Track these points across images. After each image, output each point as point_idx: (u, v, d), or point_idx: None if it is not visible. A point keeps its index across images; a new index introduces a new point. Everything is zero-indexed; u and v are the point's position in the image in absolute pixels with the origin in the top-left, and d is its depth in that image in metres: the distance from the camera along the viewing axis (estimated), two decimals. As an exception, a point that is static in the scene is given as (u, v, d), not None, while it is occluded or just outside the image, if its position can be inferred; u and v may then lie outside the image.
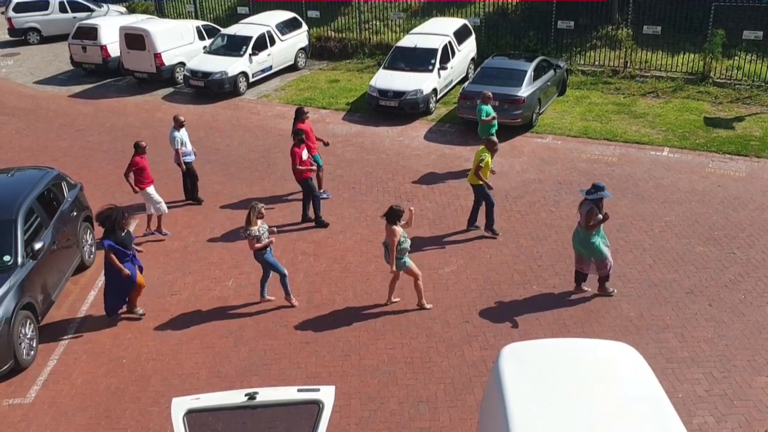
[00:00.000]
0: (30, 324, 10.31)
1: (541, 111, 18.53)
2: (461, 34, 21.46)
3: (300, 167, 13.48)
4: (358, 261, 12.68)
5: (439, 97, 20.06)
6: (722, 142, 16.92)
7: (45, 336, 10.87)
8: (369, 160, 16.92)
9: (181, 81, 22.40)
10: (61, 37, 27.15)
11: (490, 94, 15.56)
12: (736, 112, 18.75)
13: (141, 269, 11.24)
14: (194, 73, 21.41)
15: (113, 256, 10.65)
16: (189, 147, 14.57)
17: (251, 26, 22.81)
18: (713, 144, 16.84)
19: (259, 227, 10.84)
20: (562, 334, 10.47)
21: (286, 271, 11.28)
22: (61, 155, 17.59)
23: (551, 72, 19.07)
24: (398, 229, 10.56)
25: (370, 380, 9.79)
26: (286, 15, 24.18)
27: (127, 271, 10.74)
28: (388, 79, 19.47)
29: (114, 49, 23.10)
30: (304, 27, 24.46)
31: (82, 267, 12.54)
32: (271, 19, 23.53)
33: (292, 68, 23.80)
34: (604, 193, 10.78)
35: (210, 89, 21.31)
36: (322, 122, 19.35)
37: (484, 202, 13.20)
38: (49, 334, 10.93)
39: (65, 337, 10.92)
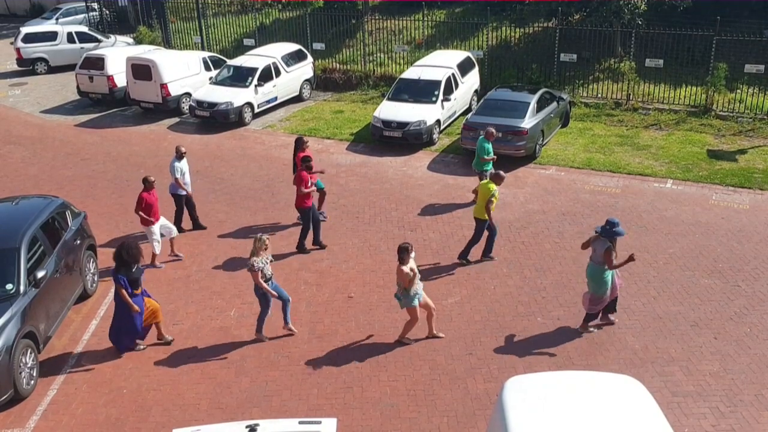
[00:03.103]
0: (31, 353, 10.25)
1: (544, 142, 18.60)
2: (464, 67, 21.64)
3: (305, 190, 13.56)
4: (361, 291, 12.63)
5: (442, 128, 20.17)
6: (725, 174, 16.94)
7: (45, 365, 10.80)
8: (373, 189, 16.95)
9: (187, 111, 22.57)
10: (68, 67, 27.42)
11: (493, 131, 15.60)
12: (739, 144, 18.79)
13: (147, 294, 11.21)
14: (200, 104, 21.58)
15: (124, 291, 10.59)
16: (188, 178, 14.65)
17: (257, 58, 23.04)
18: (716, 176, 16.86)
19: (262, 259, 10.78)
20: (566, 367, 10.37)
21: (289, 297, 11.24)
22: (66, 184, 17.67)
23: (554, 104, 19.18)
24: (407, 267, 10.43)
25: (372, 413, 9.69)
26: (292, 47, 24.43)
27: (137, 308, 10.70)
28: (392, 110, 19.60)
29: (121, 79, 23.30)
30: (310, 59, 24.70)
31: (84, 296, 12.51)
32: (277, 50, 23.77)
33: (298, 99, 23.98)
34: (618, 230, 10.70)
35: (215, 119, 21.46)
36: (326, 152, 19.44)
37: (488, 233, 13.22)
38: (49, 364, 10.87)
39: (66, 366, 10.85)
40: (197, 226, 15.10)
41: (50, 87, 26.98)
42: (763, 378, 10.10)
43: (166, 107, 22.58)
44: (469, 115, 18.98)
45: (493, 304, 12.12)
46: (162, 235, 13.68)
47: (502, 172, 13.24)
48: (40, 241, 11.34)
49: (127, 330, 10.90)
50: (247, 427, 6.61)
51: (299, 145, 14.84)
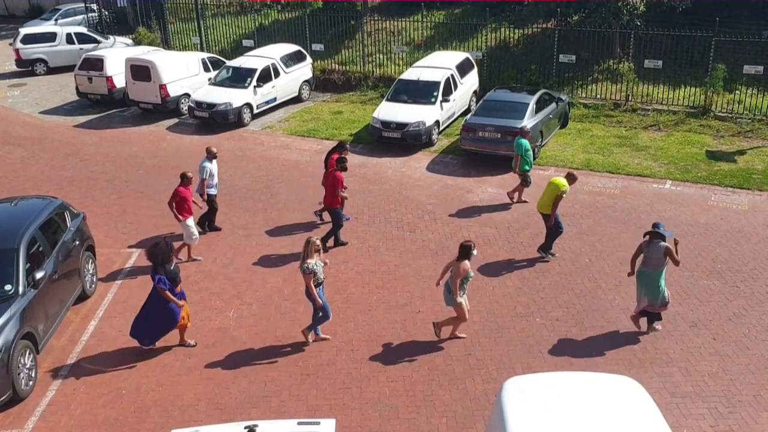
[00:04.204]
0: (29, 354, 10.24)
1: (543, 143, 18.61)
2: (464, 68, 21.65)
3: (342, 193, 13.76)
4: (360, 292, 12.63)
5: (441, 129, 20.17)
6: (724, 175, 16.95)
7: (44, 366, 10.80)
8: (372, 190, 16.95)
9: (186, 112, 22.57)
10: (67, 68, 27.41)
11: (528, 128, 15.63)
12: (738, 145, 18.81)
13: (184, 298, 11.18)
14: (199, 104, 21.58)
15: (167, 292, 10.54)
16: (216, 180, 14.60)
17: (256, 59, 23.05)
18: (715, 177, 16.87)
19: (316, 262, 10.63)
20: (565, 368, 10.37)
21: (330, 317, 11.11)
22: (65, 184, 17.67)
23: (553, 105, 19.19)
24: (467, 264, 10.55)
25: (371, 413, 9.69)
26: (291, 48, 24.44)
27: (181, 303, 10.73)
28: (391, 111, 19.60)
29: (120, 80, 23.30)
30: (309, 60, 24.71)
31: (83, 296, 12.50)
32: (276, 51, 23.78)
33: (297, 100, 23.99)
34: (664, 231, 10.86)
35: (214, 120, 21.46)
36: (325, 153, 19.39)
37: (548, 228, 13.38)
38: (48, 365, 10.86)
39: (64, 367, 10.84)
40: (212, 228, 15.04)
41: (49, 88, 26.98)
42: (761, 378, 10.10)
43: (165, 108, 22.57)
44: (469, 116, 18.98)
45: (492, 305, 12.12)
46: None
47: (575, 173, 13.39)
48: (39, 242, 11.33)
49: (162, 326, 10.85)
50: (246, 428, 6.61)
51: (340, 148, 14.92)
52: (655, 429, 6.55)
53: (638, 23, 22.35)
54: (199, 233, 14.09)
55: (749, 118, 20.24)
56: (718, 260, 13.21)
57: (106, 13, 34.41)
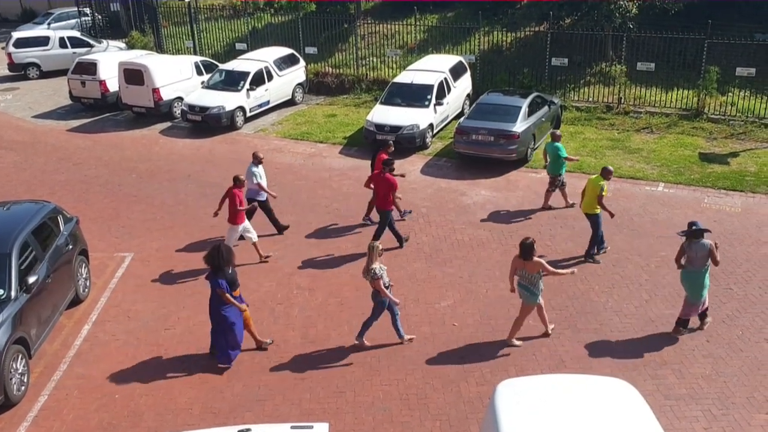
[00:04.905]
0: (21, 359, 10.19)
1: (535, 146, 18.65)
2: (457, 71, 21.68)
3: (399, 196, 13.91)
4: (354, 296, 12.61)
5: (435, 132, 20.20)
6: (717, 177, 17.01)
7: (36, 371, 10.75)
8: (366, 193, 16.85)
9: (179, 115, 22.53)
10: (60, 72, 27.33)
11: (558, 132, 15.69)
12: (731, 147, 18.88)
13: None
14: (192, 108, 21.55)
15: (227, 294, 10.44)
16: (264, 184, 14.49)
17: (249, 62, 23.04)
18: (708, 179, 16.92)
19: (380, 266, 10.61)
20: (558, 370, 10.38)
21: (398, 312, 11.14)
22: (58, 189, 17.60)
23: (545, 108, 19.24)
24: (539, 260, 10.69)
25: (365, 417, 9.68)
26: (284, 51, 24.44)
27: (244, 306, 10.63)
28: (385, 114, 19.62)
29: (113, 84, 23.26)
30: (302, 63, 24.71)
31: (76, 301, 12.45)
32: (269, 55, 23.78)
33: (290, 103, 23.98)
34: (701, 227, 10.93)
35: (207, 123, 21.43)
36: (319, 156, 19.43)
37: (592, 230, 13.40)
38: (41, 369, 10.81)
39: (57, 372, 10.79)
40: (280, 229, 14.92)
41: (42, 92, 26.90)
42: (754, 380, 10.13)
43: (158, 112, 22.54)
44: (462, 119, 19.02)
45: (485, 308, 12.12)
46: (241, 238, 13.58)
47: (610, 167, 13.41)
48: (32, 246, 11.28)
49: (227, 339, 10.69)
50: (239, 431, 6.59)
51: (384, 146, 14.97)
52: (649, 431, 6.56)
53: (630, 26, 22.43)
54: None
55: (742, 121, 20.32)
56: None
57: (99, 17, 34.34)
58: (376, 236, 13.75)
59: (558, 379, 7.86)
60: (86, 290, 12.83)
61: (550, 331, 11.25)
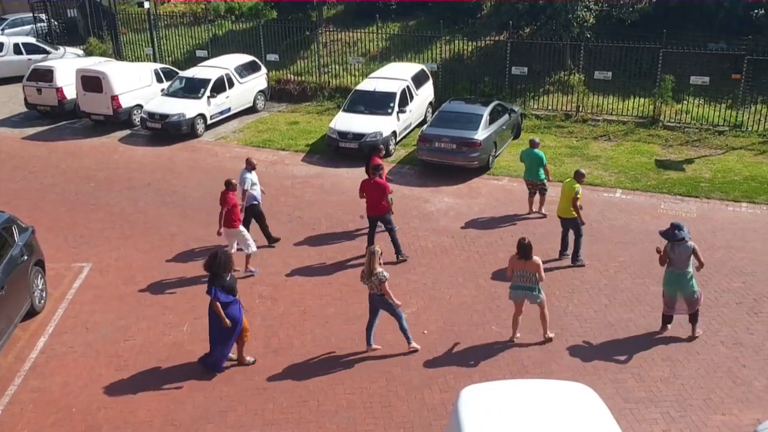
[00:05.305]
0: (-26, 373, 9.91)
1: (497, 154, 18.84)
2: (419, 79, 21.81)
3: (391, 196, 13.85)
4: (317, 304, 12.56)
5: (398, 139, 20.26)
6: (673, 183, 17.38)
7: (-10, 385, 10.47)
8: (329, 201, 16.91)
9: (138, 123, 22.23)
10: (15, 79, 26.73)
11: (537, 139, 15.82)
12: (686, 154, 19.32)
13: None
14: (152, 115, 21.28)
15: (218, 305, 10.26)
16: (258, 190, 14.32)
17: (210, 69, 22.86)
18: (664, 185, 17.28)
19: (384, 270, 10.64)
20: (521, 375, 10.47)
21: (403, 314, 11.13)
22: (13, 198, 17.17)
23: (506, 116, 19.46)
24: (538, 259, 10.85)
25: (328, 426, 9.62)
26: (245, 58, 24.31)
27: (228, 323, 10.37)
28: (347, 122, 19.63)
29: (70, 92, 22.84)
30: (264, 70, 24.60)
31: (32, 312, 12.15)
32: (230, 62, 23.62)
33: (252, 110, 23.83)
34: (684, 233, 11.11)
35: (167, 131, 21.18)
36: (282, 164, 19.34)
37: (574, 233, 13.54)
38: (-6, 384, 10.53)
39: (11, 385, 10.51)
40: (271, 239, 14.68)
41: (-4, 99, 26.29)
42: (711, 382, 10.35)
43: (117, 119, 22.21)
44: (425, 126, 19.12)
45: (449, 314, 12.18)
46: (239, 249, 13.31)
47: (582, 170, 13.65)
48: (-15, 257, 10.99)
49: (222, 344, 10.58)
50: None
51: (375, 151, 14.97)
52: (609, 434, 6.65)
53: (588, 36, 22.86)
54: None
55: (697, 128, 20.81)
56: (668, 267, 13.49)
57: (56, 23, 33.70)
58: (394, 243, 13.80)
59: (520, 385, 7.93)
60: (42, 301, 12.53)
61: (552, 335, 11.36)
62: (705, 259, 13.76)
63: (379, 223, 13.99)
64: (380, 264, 10.64)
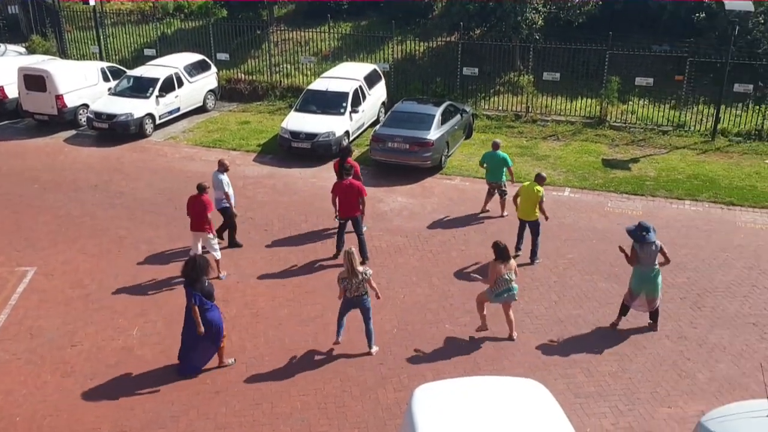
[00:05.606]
0: None
1: (449, 153, 18.98)
2: (371, 79, 21.83)
3: (365, 197, 13.80)
4: (270, 306, 12.46)
5: (351, 139, 20.24)
6: (619, 182, 17.78)
7: (-71, 395, 10.10)
8: (282, 201, 16.80)
9: (85, 123, 21.71)
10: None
11: (499, 141, 15.94)
12: (632, 153, 19.79)
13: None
14: (98, 115, 20.82)
15: (196, 309, 10.08)
16: (231, 191, 14.09)
17: (158, 68, 22.48)
18: (611, 184, 17.67)
19: (366, 268, 10.73)
20: (473, 373, 10.57)
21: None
22: (-49, 201, 16.61)
23: (458, 116, 19.63)
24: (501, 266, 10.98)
25: (282, 428, 9.56)
26: (195, 57, 23.97)
27: (202, 329, 10.17)
28: (300, 121, 19.52)
29: (12, 91, 22.19)
30: (214, 69, 24.30)
31: (-28, 319, 11.78)
32: (179, 60, 23.27)
33: (202, 110, 23.51)
34: (651, 235, 11.27)
35: (115, 131, 20.74)
36: (233, 164, 18.96)
37: (532, 234, 13.71)
38: (-67, 393, 10.16)
39: (-48, 395, 10.18)
40: (233, 243, 14.46)
41: (-67, 98, 25.31)
42: (657, 375, 10.63)
43: (62, 119, 21.67)
44: (378, 126, 19.15)
45: (403, 313, 12.22)
46: (205, 252, 12.93)
47: (543, 173, 13.86)
48: None
49: (204, 349, 10.46)
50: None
51: (348, 153, 14.84)
52: (559, 429, 6.77)
53: (537, 37, 23.23)
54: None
55: (641, 128, 21.33)
56: (616, 264, 13.78)
57: (-4, 19, 32.69)
58: (342, 243, 13.83)
59: (473, 382, 8.02)
60: (-16, 307, 12.15)
61: (515, 335, 11.51)
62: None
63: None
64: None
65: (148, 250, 14.39)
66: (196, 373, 10.58)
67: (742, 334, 11.61)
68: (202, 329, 10.22)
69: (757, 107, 21.12)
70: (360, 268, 10.58)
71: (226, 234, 14.46)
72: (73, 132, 21.74)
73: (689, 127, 21.11)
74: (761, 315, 12.15)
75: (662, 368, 10.79)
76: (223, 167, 14.06)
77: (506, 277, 11.03)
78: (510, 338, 11.44)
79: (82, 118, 21.88)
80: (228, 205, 14.13)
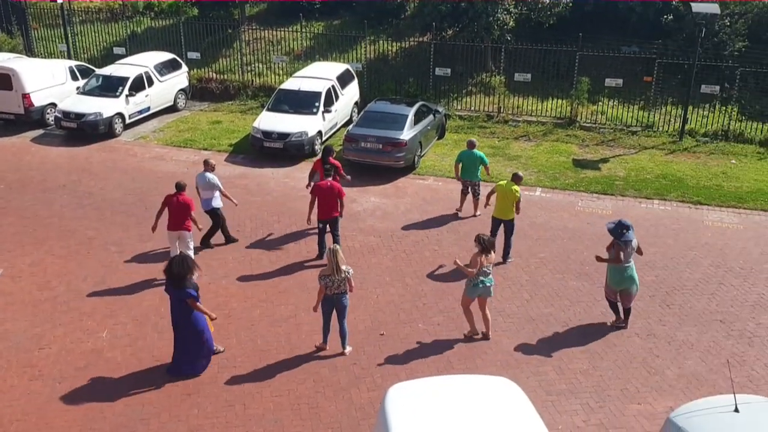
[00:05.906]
0: None
1: (422, 153, 19.03)
2: (344, 79, 21.79)
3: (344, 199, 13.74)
4: (242, 306, 12.38)
5: (324, 139, 20.19)
6: (590, 182, 17.99)
7: None
8: (254, 202, 16.70)
9: (52, 122, 21.37)
10: None
11: (475, 140, 16.03)
12: (602, 153, 20.02)
13: None
14: (66, 115, 20.50)
15: (197, 304, 10.09)
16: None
17: (128, 67, 22.21)
18: (582, 184, 17.87)
19: (348, 268, 10.66)
20: (446, 371, 10.62)
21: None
22: None
23: (431, 116, 19.69)
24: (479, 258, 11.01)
25: (255, 430, 9.51)
26: (165, 56, 23.72)
27: (214, 314, 10.40)
28: (272, 121, 19.42)
29: (-23, 89, 21.75)
30: (184, 68, 24.07)
31: (-64, 322, 11.52)
32: (149, 59, 23.01)
33: (172, 109, 23.27)
34: (630, 234, 11.37)
35: (83, 131, 20.44)
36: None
37: (506, 233, 13.77)
38: None
39: None
40: (207, 245, 14.35)
41: None
42: (627, 373, 10.77)
43: (29, 118, 21.30)
44: (350, 126, 19.13)
45: (376, 313, 12.23)
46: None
47: (520, 173, 13.93)
48: None
49: (201, 345, 10.39)
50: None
51: (329, 153, 14.66)
52: (531, 427, 6.83)
53: (508, 38, 23.41)
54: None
55: (611, 128, 21.59)
56: (586, 263, 13.95)
57: (-40, 16, 31.99)
58: (323, 245, 13.75)
59: (446, 381, 8.04)
60: (-52, 310, 11.90)
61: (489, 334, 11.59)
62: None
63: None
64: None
65: (117, 251, 14.21)
66: (200, 370, 10.56)
67: (710, 331, 11.82)
68: (215, 315, 10.47)
69: (723, 108, 21.51)
70: (343, 266, 10.57)
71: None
72: (40, 131, 21.38)
73: (658, 128, 21.43)
74: (728, 312, 12.38)
75: (632, 365, 10.94)
76: (209, 167, 13.96)
77: (485, 269, 11.11)
78: (485, 337, 11.50)
79: (50, 118, 21.53)
80: (218, 206, 14.10)
